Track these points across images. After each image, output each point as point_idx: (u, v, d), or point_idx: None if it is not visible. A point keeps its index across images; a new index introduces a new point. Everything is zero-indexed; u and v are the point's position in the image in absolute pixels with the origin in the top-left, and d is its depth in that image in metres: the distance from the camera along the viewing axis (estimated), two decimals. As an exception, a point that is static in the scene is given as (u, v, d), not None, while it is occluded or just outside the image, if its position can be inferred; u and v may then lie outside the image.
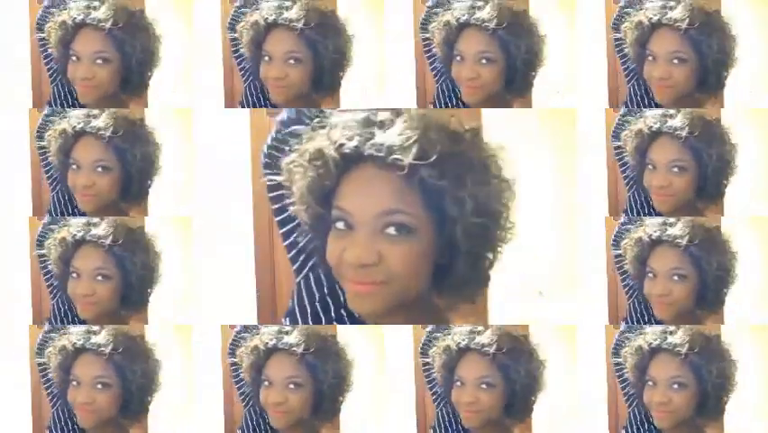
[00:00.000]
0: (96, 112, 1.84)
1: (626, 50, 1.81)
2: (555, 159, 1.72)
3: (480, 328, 1.74)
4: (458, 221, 1.48)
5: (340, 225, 1.49)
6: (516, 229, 1.51)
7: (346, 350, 1.71)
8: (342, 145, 1.50)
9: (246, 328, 1.75)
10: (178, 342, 1.73)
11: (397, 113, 1.54)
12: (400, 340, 1.71)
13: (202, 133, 1.74)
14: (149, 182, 1.80)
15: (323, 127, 1.54)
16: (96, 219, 1.83)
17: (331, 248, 1.50)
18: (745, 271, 1.72)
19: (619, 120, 1.78)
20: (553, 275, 1.71)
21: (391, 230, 1.48)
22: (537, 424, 1.71)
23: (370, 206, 1.49)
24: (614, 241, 1.78)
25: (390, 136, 1.49)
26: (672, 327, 1.76)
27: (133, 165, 1.80)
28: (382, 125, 1.52)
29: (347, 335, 1.70)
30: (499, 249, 1.52)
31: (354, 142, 1.50)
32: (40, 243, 1.81)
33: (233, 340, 1.74)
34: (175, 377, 1.73)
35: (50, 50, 1.87)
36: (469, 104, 1.80)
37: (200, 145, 1.74)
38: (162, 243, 1.74)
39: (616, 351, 1.77)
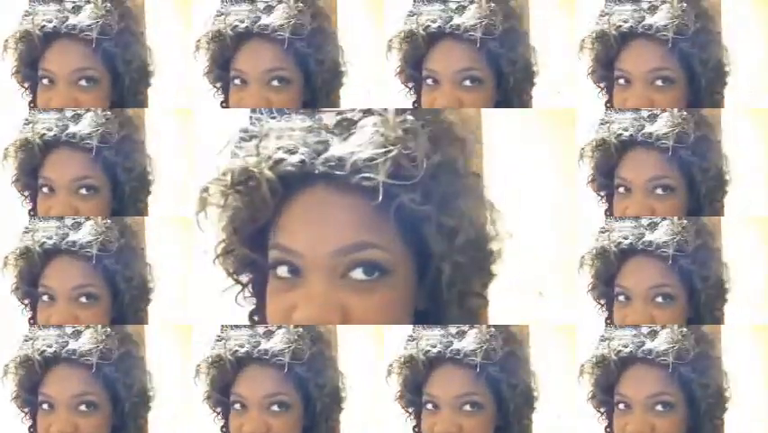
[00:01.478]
0: (73, 113, 1.48)
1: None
2: (555, 159, 1.70)
3: (457, 330, 1.44)
4: (445, 257, 1.14)
5: (282, 270, 1.12)
6: (501, 254, 1.23)
7: (338, 355, 1.59)
8: (280, 161, 1.12)
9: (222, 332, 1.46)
10: (177, 342, 1.73)
11: (359, 115, 1.15)
12: (400, 340, 1.70)
13: (202, 133, 1.68)
14: (144, 202, 1.53)
15: (250, 138, 1.16)
16: (74, 220, 1.47)
17: (274, 306, 1.13)
18: (746, 273, 1.71)
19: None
20: (553, 275, 1.69)
21: (358, 272, 1.10)
22: (535, 426, 1.70)
23: (325, 241, 1.10)
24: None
25: (354, 147, 1.11)
26: (648, 328, 1.46)
27: (128, 182, 1.51)
28: (342, 132, 1.14)
29: (345, 335, 1.67)
30: (490, 282, 1.22)
31: (299, 157, 1.11)
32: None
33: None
34: (175, 377, 1.73)
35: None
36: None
37: (200, 145, 1.68)
38: (162, 243, 1.74)
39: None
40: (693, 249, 1.49)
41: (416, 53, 1.49)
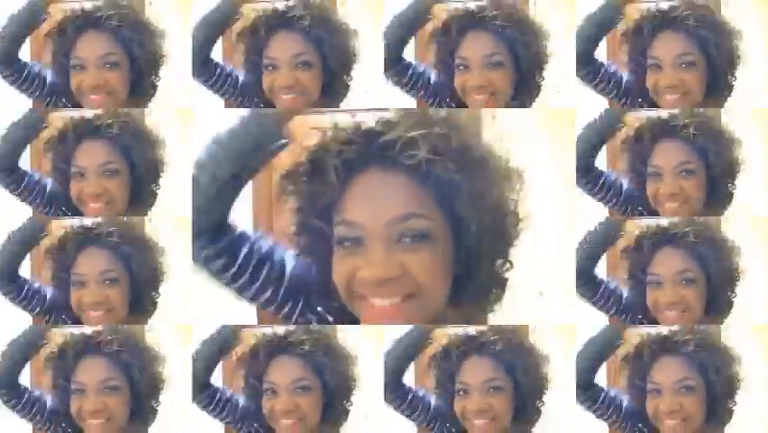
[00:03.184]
0: (92, 112, 1.70)
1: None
2: (555, 159, 1.70)
3: (474, 329, 1.63)
4: (475, 220, 1.32)
5: (347, 243, 1.32)
6: (526, 221, 1.38)
7: (348, 347, 1.66)
8: (341, 151, 1.33)
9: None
10: (178, 342, 1.73)
11: (392, 111, 1.37)
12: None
13: (202, 133, 1.64)
14: (157, 184, 1.71)
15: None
16: (91, 219, 1.69)
17: (339, 268, 1.32)
18: (748, 271, 1.70)
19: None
20: (553, 275, 1.70)
21: (407, 239, 1.31)
22: (536, 424, 1.70)
23: (381, 213, 1.31)
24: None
25: (398, 132, 1.32)
26: (669, 327, 1.64)
27: (142, 166, 1.69)
28: (386, 123, 1.35)
29: (347, 335, 1.66)
30: (514, 246, 1.38)
31: (356, 146, 1.33)
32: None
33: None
34: (175, 377, 1.72)
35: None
36: (479, 115, 1.60)
37: (200, 145, 1.69)
38: (163, 242, 1.73)
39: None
40: (708, 240, 1.67)
41: (450, 44, 1.68)
